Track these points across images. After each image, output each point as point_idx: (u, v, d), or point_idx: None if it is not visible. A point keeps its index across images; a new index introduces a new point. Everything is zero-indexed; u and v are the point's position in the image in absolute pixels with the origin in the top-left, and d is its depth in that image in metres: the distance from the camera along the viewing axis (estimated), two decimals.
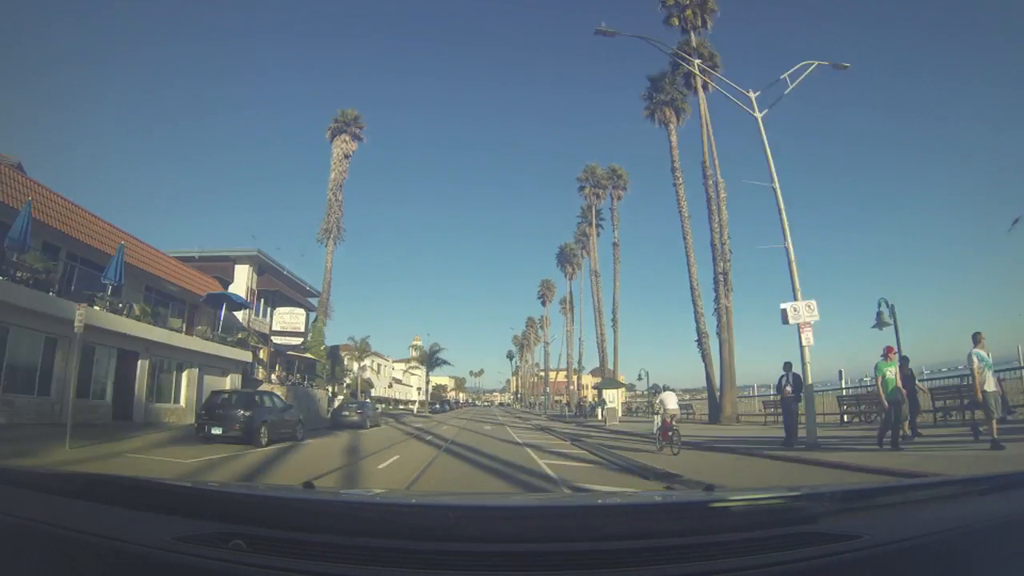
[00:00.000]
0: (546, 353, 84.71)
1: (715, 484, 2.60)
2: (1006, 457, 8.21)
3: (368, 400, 37.98)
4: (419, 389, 74.52)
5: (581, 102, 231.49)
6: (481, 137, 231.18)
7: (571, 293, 66.70)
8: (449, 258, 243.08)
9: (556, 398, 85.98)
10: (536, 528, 1.33)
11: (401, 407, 63.70)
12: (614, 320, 46.29)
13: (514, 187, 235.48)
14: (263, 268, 31.67)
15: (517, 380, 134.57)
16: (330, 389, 59.56)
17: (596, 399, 39.75)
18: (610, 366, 45.15)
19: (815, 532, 1.22)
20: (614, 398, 40.73)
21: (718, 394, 25.76)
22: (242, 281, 30.09)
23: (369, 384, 65.02)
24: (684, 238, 28.80)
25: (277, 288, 32.05)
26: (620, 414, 35.73)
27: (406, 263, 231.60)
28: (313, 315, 38.92)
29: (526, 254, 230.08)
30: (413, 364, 60.94)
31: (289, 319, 30.28)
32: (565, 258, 64.14)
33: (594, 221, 49.48)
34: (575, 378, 66.27)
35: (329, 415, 25.62)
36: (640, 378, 38.02)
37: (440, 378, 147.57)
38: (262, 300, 31.95)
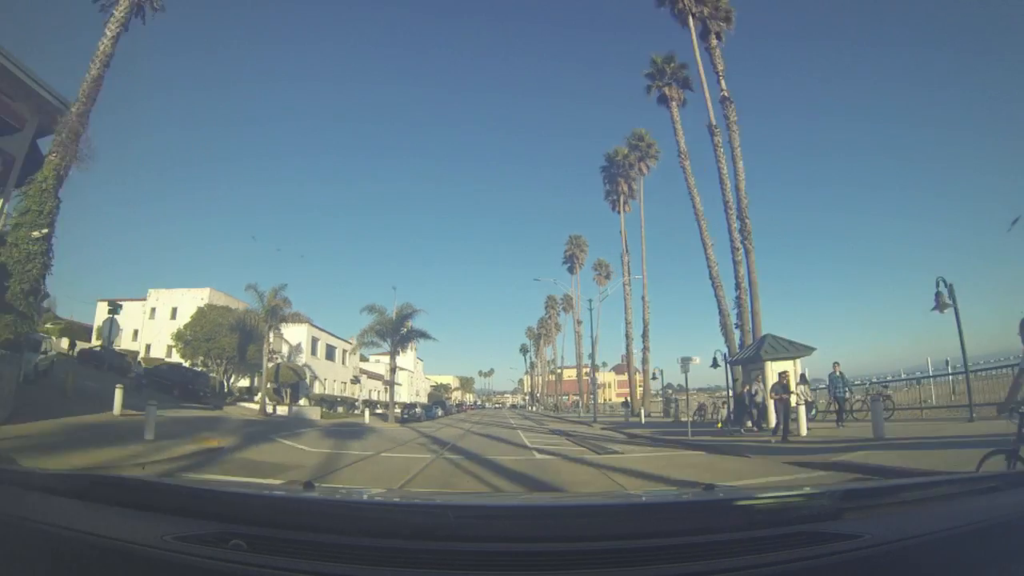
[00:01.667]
0: (578, 335, 61.62)
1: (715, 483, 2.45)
2: None
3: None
4: (387, 386, 49.85)
5: None
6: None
7: (625, 233, 43.10)
8: (450, 243, 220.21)
9: (575, 397, 68.51)
10: (537, 528, 1.33)
11: (380, 410, 40.79)
12: (744, 230, 22.54)
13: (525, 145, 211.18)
14: None
15: (531, 379, 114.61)
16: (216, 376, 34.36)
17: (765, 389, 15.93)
18: (749, 319, 21.32)
19: (815, 532, 1.20)
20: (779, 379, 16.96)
21: None
22: None
23: (299, 375, 41.07)
24: None
25: None
26: (806, 416, 12.41)
27: (401, 245, 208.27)
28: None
29: (542, 235, 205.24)
30: (366, 337, 36.35)
31: None
32: (617, 172, 41.13)
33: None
34: (622, 366, 42.67)
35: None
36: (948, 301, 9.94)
37: (443, 377, 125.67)
38: None
